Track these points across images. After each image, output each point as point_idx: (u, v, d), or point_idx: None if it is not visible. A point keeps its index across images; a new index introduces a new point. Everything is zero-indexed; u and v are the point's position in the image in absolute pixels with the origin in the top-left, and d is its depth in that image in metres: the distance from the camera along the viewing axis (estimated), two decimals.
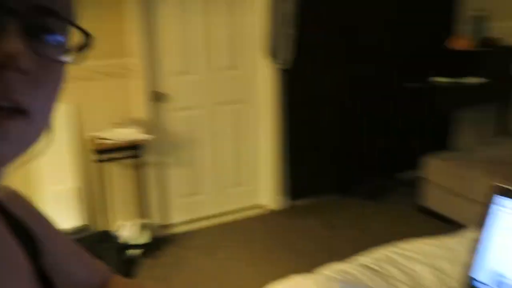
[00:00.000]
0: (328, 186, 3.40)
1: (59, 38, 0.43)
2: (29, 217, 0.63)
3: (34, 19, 0.40)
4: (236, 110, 3.16)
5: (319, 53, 3.16)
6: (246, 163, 3.25)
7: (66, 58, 0.44)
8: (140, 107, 2.78)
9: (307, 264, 1.56)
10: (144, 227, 2.69)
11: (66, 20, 0.43)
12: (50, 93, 0.43)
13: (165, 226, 2.95)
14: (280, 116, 3.17)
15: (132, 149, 2.62)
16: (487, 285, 0.91)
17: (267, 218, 3.16)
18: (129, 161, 2.71)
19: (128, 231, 2.63)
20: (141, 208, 2.77)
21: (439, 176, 2.95)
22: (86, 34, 0.44)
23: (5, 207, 0.57)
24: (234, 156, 3.20)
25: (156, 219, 2.88)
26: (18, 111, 0.38)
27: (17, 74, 0.37)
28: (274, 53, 2.99)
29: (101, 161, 2.58)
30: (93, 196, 2.69)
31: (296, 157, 3.27)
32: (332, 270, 1.33)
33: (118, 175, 2.77)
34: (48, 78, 0.42)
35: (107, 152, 2.56)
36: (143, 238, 2.68)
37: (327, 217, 3.10)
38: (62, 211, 2.54)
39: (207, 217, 3.10)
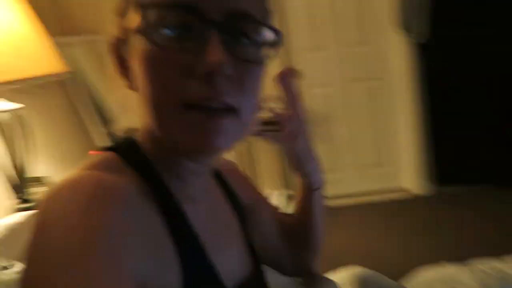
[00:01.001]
0: (482, 174, 3.06)
1: (256, 39, 0.47)
2: (242, 187, 0.73)
3: (232, 27, 0.44)
4: (371, 88, 3.03)
5: (464, 27, 2.76)
6: (386, 142, 3.12)
7: (263, 57, 0.48)
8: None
9: (455, 256, 1.47)
10: (290, 197, 2.82)
11: (261, 22, 0.47)
12: (253, 90, 0.48)
13: None
14: (419, 94, 2.93)
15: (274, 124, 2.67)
16: None
17: (410, 203, 3.00)
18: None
19: (276, 199, 2.77)
20: (285, 180, 2.89)
21: None
22: (277, 32, 0.48)
23: (222, 177, 0.69)
24: (372, 135, 3.11)
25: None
26: (229, 110, 0.45)
27: (224, 79, 0.43)
28: (406, 26, 2.74)
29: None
30: (242, 165, 2.90)
31: (441, 140, 3.00)
32: (488, 266, 1.23)
33: (263, 147, 2.88)
34: (250, 78, 0.47)
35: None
36: (289, 208, 2.77)
37: (481, 207, 2.77)
38: None
39: (347, 195, 3.09)
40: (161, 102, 0.45)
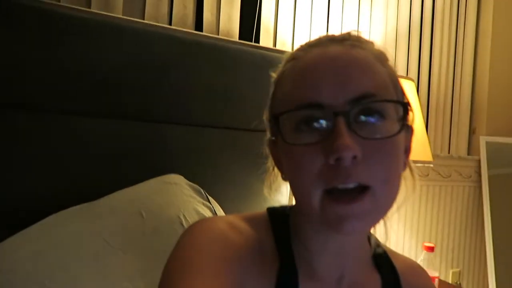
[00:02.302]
0: None
1: (380, 117, 0.50)
2: None
3: (354, 113, 0.48)
4: None
5: None
6: None
7: (390, 131, 0.50)
8: None
9: None
10: None
11: (385, 100, 0.50)
12: (385, 166, 0.49)
13: None
14: None
15: None
16: None
17: None
18: None
19: None
20: None
21: None
22: (403, 104, 0.52)
23: (397, 278, 0.64)
24: None
25: None
26: (362, 189, 0.48)
27: (352, 161, 0.47)
28: None
29: None
30: None
31: None
32: None
33: None
34: (378, 154, 0.49)
35: None
36: None
37: None
38: None
39: None
40: (307, 191, 0.50)
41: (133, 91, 1.28)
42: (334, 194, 0.49)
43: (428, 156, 1.50)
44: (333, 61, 0.50)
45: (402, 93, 0.56)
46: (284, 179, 0.59)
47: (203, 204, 1.19)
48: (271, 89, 0.58)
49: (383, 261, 0.64)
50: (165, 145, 1.32)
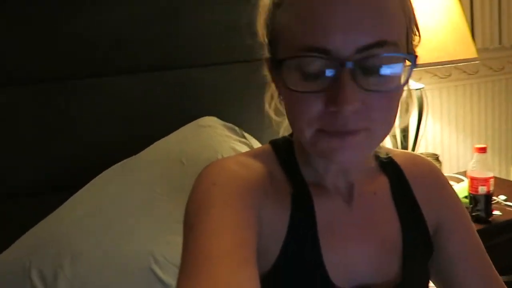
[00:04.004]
0: None
1: (388, 68, 0.47)
2: (433, 195, 0.65)
3: (360, 63, 0.46)
4: None
5: None
6: None
7: (396, 83, 0.49)
8: None
9: None
10: None
11: (396, 53, 0.47)
12: (384, 112, 0.49)
13: None
14: None
15: None
16: None
17: None
18: None
19: None
20: None
21: None
22: (411, 57, 0.50)
23: (401, 173, 0.64)
24: None
25: None
26: (358, 131, 0.48)
27: (352, 113, 0.46)
28: None
29: None
30: None
31: None
32: None
33: None
34: (379, 103, 0.48)
35: None
36: None
37: None
38: None
39: None
40: (301, 128, 0.50)
41: (151, 42, 1.27)
42: (327, 131, 0.49)
43: (471, 53, 1.38)
44: (346, 2, 0.46)
45: (411, 41, 0.53)
46: (280, 100, 0.58)
47: (239, 141, 1.20)
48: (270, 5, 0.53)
49: (386, 163, 0.64)
50: (193, 89, 1.32)
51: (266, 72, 0.58)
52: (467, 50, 1.38)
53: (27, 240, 1.03)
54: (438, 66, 1.49)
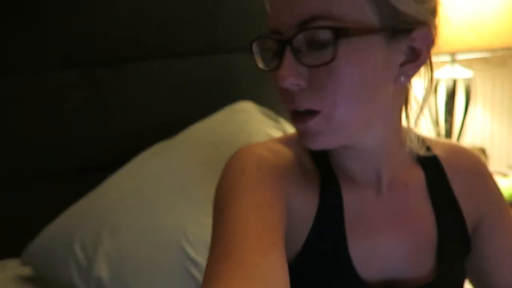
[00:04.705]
0: None
1: (326, 42, 0.46)
2: (473, 190, 0.62)
3: (299, 39, 0.47)
4: None
5: None
6: None
7: (336, 58, 0.46)
8: None
9: None
10: None
11: (324, 27, 0.46)
12: (332, 93, 0.48)
13: None
14: None
15: None
16: None
17: None
18: None
19: None
20: None
21: None
22: (343, 29, 0.45)
23: (439, 165, 0.62)
24: None
25: None
26: (311, 112, 0.49)
27: (297, 89, 0.48)
28: None
29: None
30: None
31: None
32: None
33: None
34: (325, 80, 0.47)
35: None
36: None
37: None
38: None
39: None
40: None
41: (194, 26, 1.29)
42: (292, 113, 0.51)
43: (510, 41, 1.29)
44: None
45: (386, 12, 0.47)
46: None
47: (275, 126, 1.21)
48: None
49: (425, 156, 0.61)
50: (232, 74, 1.34)
51: None
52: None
53: (71, 213, 1.11)
54: (490, 53, 1.41)
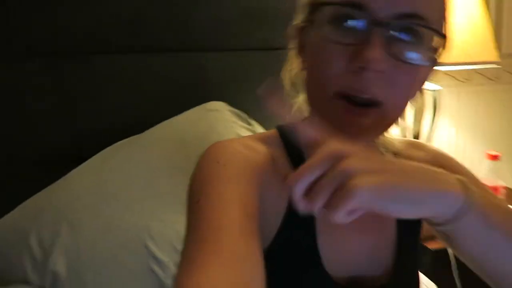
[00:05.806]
0: None
1: (419, 42, 0.48)
2: None
3: (397, 28, 0.47)
4: None
5: None
6: None
7: (421, 60, 0.49)
8: None
9: None
10: None
11: (427, 26, 0.48)
12: (403, 89, 0.50)
13: None
14: None
15: None
16: None
17: None
18: None
19: None
20: None
21: None
22: (443, 37, 0.50)
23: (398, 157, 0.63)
24: None
25: None
26: (373, 103, 0.48)
27: (375, 74, 0.47)
28: None
29: None
30: None
31: None
32: None
33: None
34: (402, 77, 0.48)
35: None
36: None
37: None
38: None
39: None
40: (317, 87, 0.52)
41: (169, 24, 1.28)
42: (343, 100, 0.49)
43: (492, 56, 1.34)
44: None
45: (444, 26, 0.53)
46: (302, 69, 0.58)
47: (245, 128, 1.20)
48: None
49: (387, 149, 0.63)
50: (204, 73, 1.32)
51: (291, 44, 0.59)
52: (488, 53, 1.34)
53: (28, 206, 1.06)
54: (457, 69, 1.45)
